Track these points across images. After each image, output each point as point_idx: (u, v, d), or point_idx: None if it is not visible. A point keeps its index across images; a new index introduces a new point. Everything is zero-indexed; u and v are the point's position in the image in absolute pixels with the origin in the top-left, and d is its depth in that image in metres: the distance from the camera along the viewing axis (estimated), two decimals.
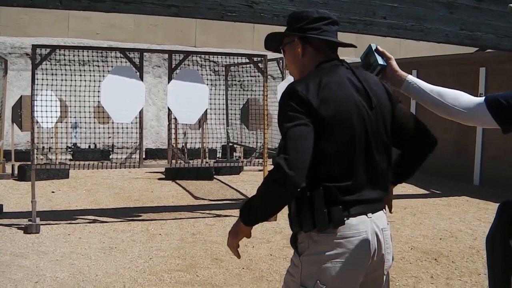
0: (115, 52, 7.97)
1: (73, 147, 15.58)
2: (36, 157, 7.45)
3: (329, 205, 2.27)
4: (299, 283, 2.35)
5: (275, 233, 7.15)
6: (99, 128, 10.22)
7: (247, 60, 10.00)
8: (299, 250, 2.38)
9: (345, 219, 2.28)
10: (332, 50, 2.49)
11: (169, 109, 7.91)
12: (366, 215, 2.34)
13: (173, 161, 8.62)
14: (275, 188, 2.21)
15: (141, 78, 7.62)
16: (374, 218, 2.37)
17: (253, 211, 2.32)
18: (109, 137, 10.38)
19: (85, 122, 8.46)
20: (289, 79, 8.67)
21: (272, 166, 2.25)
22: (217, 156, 14.36)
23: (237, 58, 11.63)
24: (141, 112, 7.62)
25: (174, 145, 9.38)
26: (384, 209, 2.47)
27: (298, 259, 2.38)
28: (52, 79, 8.13)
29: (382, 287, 2.50)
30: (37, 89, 7.49)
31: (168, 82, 7.91)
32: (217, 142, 12.07)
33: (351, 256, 2.29)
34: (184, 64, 9.75)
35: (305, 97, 2.25)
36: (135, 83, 7.48)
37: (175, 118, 8.15)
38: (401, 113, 2.55)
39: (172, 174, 11.21)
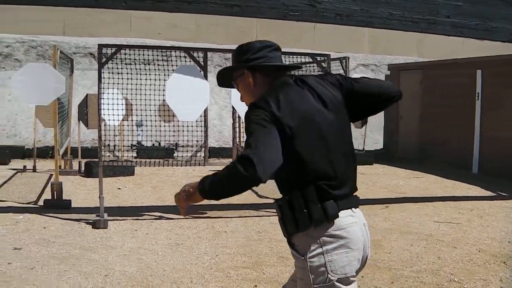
0: (179, 52, 8.01)
1: (137, 145, 15.85)
2: (103, 154, 7.58)
3: (322, 201, 2.43)
4: (311, 283, 2.45)
5: None
6: (163, 126, 10.35)
7: (310, 60, 9.92)
8: (301, 252, 2.50)
9: (337, 213, 2.46)
10: (280, 73, 2.67)
11: (233, 107, 7.94)
12: (351, 210, 2.53)
13: None
14: (239, 175, 2.27)
15: (205, 77, 7.66)
16: (357, 213, 2.55)
17: (214, 188, 2.41)
18: (173, 135, 10.50)
19: (150, 120, 8.55)
20: None
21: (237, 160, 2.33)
22: None
23: (300, 57, 11.55)
24: (205, 111, 7.67)
25: (238, 144, 9.38)
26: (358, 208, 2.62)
27: (302, 261, 2.49)
28: (118, 78, 8.26)
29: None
30: (103, 88, 7.63)
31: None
32: None
33: (351, 243, 2.45)
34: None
35: (267, 108, 2.42)
36: (199, 82, 7.52)
37: (239, 117, 8.16)
38: (359, 85, 2.70)
39: None
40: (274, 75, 2.65)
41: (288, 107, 2.46)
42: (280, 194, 2.62)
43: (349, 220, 2.48)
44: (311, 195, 2.44)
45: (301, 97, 2.53)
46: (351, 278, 2.48)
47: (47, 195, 8.51)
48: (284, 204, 2.52)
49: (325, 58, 8.36)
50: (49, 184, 8.78)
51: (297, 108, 2.48)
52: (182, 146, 14.84)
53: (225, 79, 2.82)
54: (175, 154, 14.25)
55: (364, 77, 2.80)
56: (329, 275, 2.43)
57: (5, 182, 10.18)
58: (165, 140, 14.17)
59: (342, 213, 2.47)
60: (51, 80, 7.97)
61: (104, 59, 7.51)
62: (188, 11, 6.86)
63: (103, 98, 7.65)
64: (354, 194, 2.61)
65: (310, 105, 2.53)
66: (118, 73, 7.99)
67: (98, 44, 7.54)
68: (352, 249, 2.46)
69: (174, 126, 12.03)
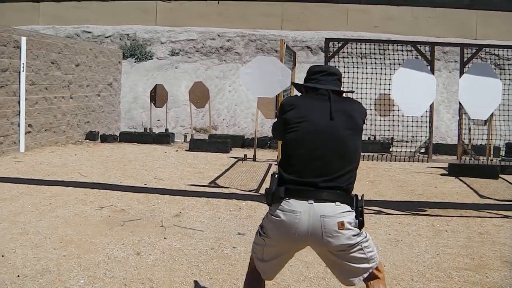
0: (397, 45, 7.95)
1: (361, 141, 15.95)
2: None
3: (278, 186, 3.16)
4: (260, 223, 3.37)
5: None
6: (379, 120, 10.33)
7: None
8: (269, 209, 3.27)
9: (287, 198, 3.12)
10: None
11: (460, 103, 7.71)
12: (307, 201, 3.09)
13: (464, 157, 8.37)
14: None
15: (432, 71, 7.53)
16: (316, 205, 3.08)
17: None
18: (389, 130, 10.44)
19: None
20: None
21: None
22: (500, 154, 13.63)
23: None
24: (431, 106, 7.55)
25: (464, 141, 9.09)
26: (337, 203, 3.10)
27: (266, 213, 3.31)
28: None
29: (346, 266, 3.21)
30: None
31: (460, 76, 7.69)
32: (500, 140, 11.47)
33: (281, 223, 3.13)
34: (476, 58, 9.40)
35: (283, 106, 3.38)
36: (426, 77, 7.43)
37: (465, 113, 7.92)
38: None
39: (455, 171, 10.93)
40: (315, 92, 3.40)
41: (297, 107, 3.29)
42: None
43: (295, 207, 3.10)
44: (276, 179, 3.20)
45: (312, 105, 3.30)
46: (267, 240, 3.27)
47: (267, 184, 8.90)
48: (271, 178, 3.27)
49: None
50: (269, 174, 9.18)
51: (303, 112, 3.25)
52: (397, 141, 14.71)
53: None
54: (391, 149, 14.14)
55: None
56: (262, 228, 3.31)
57: (227, 170, 10.86)
58: (379, 135, 14.19)
59: (292, 201, 3.11)
60: (277, 73, 8.32)
61: (331, 53, 7.66)
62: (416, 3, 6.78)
63: None
64: (323, 190, 3.11)
65: (316, 113, 3.25)
66: (337, 66, 8.15)
67: (326, 38, 7.74)
68: (281, 227, 3.14)
69: (390, 120, 11.98)
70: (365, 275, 3.24)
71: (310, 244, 3.22)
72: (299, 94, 3.62)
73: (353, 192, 3.25)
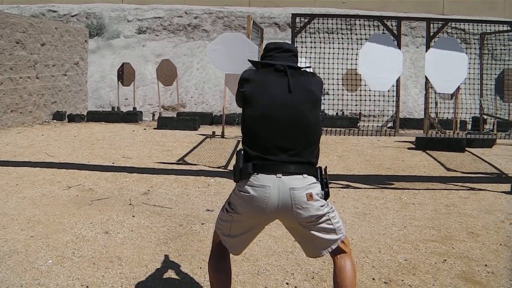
0: (363, 20, 7.97)
1: (321, 114, 16.03)
2: None
3: (245, 162, 3.17)
4: (227, 200, 3.39)
5: None
6: (347, 95, 10.38)
7: (508, 28, 9.38)
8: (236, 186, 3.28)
9: (255, 174, 3.13)
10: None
11: (426, 78, 7.77)
12: (275, 175, 3.11)
13: (430, 131, 8.46)
14: None
15: (399, 46, 7.57)
16: (284, 179, 3.11)
17: None
18: (356, 105, 10.51)
19: (333, 89, 8.60)
20: None
21: None
22: (467, 128, 13.82)
23: (497, 26, 10.97)
24: (397, 81, 7.60)
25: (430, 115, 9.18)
26: (304, 175, 3.14)
27: (233, 189, 3.33)
28: (302, 47, 8.37)
29: (315, 237, 3.25)
30: None
31: (426, 51, 7.74)
32: (466, 113, 11.62)
33: (251, 198, 3.14)
34: (442, 32, 9.46)
35: (242, 79, 3.34)
36: (393, 51, 7.46)
37: (431, 87, 7.98)
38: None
39: (422, 144, 11.05)
40: (272, 68, 3.36)
41: (254, 82, 3.28)
42: None
43: (263, 182, 3.12)
44: (242, 156, 3.21)
45: (270, 80, 3.28)
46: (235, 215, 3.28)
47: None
48: (237, 155, 3.25)
49: None
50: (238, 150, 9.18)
51: (261, 87, 3.25)
52: (365, 116, 14.83)
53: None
54: (358, 124, 14.23)
55: None
56: (229, 203, 3.31)
57: (195, 147, 10.85)
58: (347, 110, 14.28)
59: (260, 176, 3.12)
60: (244, 49, 8.29)
61: (297, 29, 7.65)
62: None
63: None
64: (289, 163, 3.14)
65: (274, 88, 3.24)
66: (302, 41, 8.14)
67: (292, 14, 7.73)
68: (250, 203, 3.15)
69: (357, 95, 12.04)
70: (334, 247, 3.27)
71: (280, 217, 3.24)
72: None
73: (319, 165, 3.28)
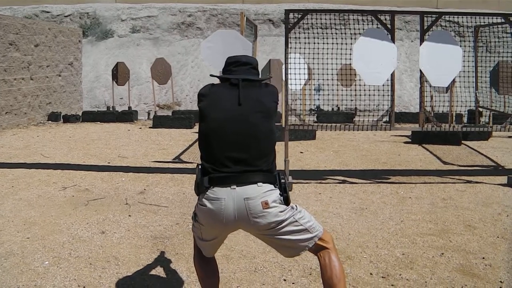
0: (357, 15, 7.94)
1: (316, 109, 16.04)
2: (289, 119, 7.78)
3: (202, 176, 3.22)
4: (193, 211, 3.41)
5: None
6: (342, 90, 10.33)
7: (502, 20, 9.36)
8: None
9: (211, 187, 3.17)
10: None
11: (421, 71, 7.75)
12: (230, 187, 3.15)
13: (426, 124, 8.44)
14: None
15: (393, 40, 7.55)
16: (238, 190, 3.14)
17: None
18: (352, 100, 10.49)
19: (328, 85, 8.58)
20: None
21: None
22: (463, 121, 13.82)
23: (490, 18, 10.96)
24: (392, 75, 7.58)
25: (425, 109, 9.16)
26: (259, 184, 3.16)
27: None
28: (296, 42, 8.36)
29: (283, 241, 3.24)
30: (289, 53, 7.78)
31: (420, 44, 7.72)
32: (461, 106, 11.61)
33: (209, 211, 3.18)
34: (436, 25, 9.44)
35: (200, 95, 3.39)
36: (387, 45, 7.44)
37: (426, 81, 7.96)
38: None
39: (418, 138, 11.06)
40: (228, 82, 3.41)
41: (208, 97, 3.34)
42: None
43: (218, 195, 3.15)
44: (200, 170, 3.26)
45: (223, 93, 3.33)
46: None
47: None
48: (196, 170, 3.31)
49: None
50: None
51: (213, 102, 3.30)
52: (361, 111, 14.82)
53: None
54: (355, 119, 14.22)
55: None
56: (195, 215, 3.35)
57: (191, 145, 10.85)
58: (343, 105, 14.28)
59: (215, 189, 3.17)
60: (238, 47, 8.25)
61: (291, 25, 7.63)
62: None
63: (290, 63, 7.82)
64: (244, 174, 3.17)
65: (225, 101, 3.28)
66: (296, 37, 8.11)
67: (286, 10, 7.69)
68: (208, 216, 3.20)
69: (353, 90, 12.01)
70: (310, 245, 3.27)
71: (240, 227, 3.27)
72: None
73: (282, 169, 3.31)
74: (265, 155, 3.26)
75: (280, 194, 3.21)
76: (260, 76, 3.56)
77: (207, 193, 3.19)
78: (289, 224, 3.20)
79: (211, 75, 3.80)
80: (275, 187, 3.22)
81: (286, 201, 3.22)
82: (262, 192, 3.15)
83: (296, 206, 3.30)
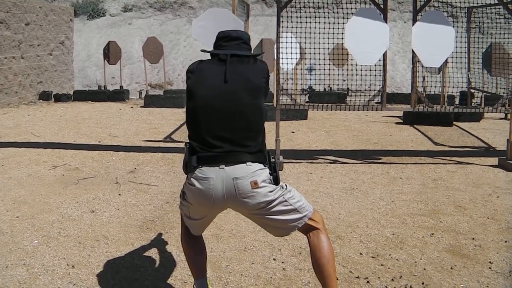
0: None
1: (308, 89, 16.00)
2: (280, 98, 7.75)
3: (190, 155, 3.17)
4: (181, 189, 3.39)
5: None
6: (334, 70, 10.32)
7: (496, 2, 9.33)
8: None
9: (200, 166, 3.13)
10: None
11: (413, 51, 7.72)
12: (218, 166, 3.11)
13: (418, 105, 8.43)
14: None
15: (385, 20, 7.51)
16: (227, 169, 3.10)
17: None
18: (344, 80, 10.47)
19: (320, 65, 8.54)
20: None
21: None
22: (455, 102, 13.82)
23: None
24: (384, 55, 7.54)
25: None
26: (248, 163, 3.12)
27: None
28: (288, 22, 8.29)
29: (273, 221, 3.21)
30: (281, 32, 7.73)
31: (413, 24, 7.68)
32: (454, 87, 11.61)
33: (198, 190, 3.15)
34: (429, 6, 9.40)
35: (188, 72, 3.32)
36: (379, 25, 7.39)
37: (418, 61, 7.94)
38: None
39: (410, 119, 11.06)
40: (217, 58, 3.36)
41: (195, 73, 3.28)
42: None
43: (206, 174, 3.12)
44: (188, 149, 3.20)
45: (210, 70, 3.27)
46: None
47: None
48: (185, 148, 3.26)
49: None
50: None
51: (200, 79, 3.25)
52: (352, 91, 14.80)
53: None
54: (347, 99, 14.20)
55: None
56: (183, 194, 3.32)
57: (182, 125, 10.82)
58: (335, 85, 14.23)
59: (204, 168, 3.13)
60: (230, 25, 8.17)
61: (283, 4, 7.58)
62: None
63: (281, 42, 7.77)
64: (232, 153, 3.13)
65: (211, 78, 3.22)
66: (288, 17, 8.06)
67: None
68: (197, 195, 3.17)
69: (345, 70, 11.98)
70: (299, 225, 3.25)
71: (230, 207, 3.24)
72: None
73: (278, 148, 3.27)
74: (253, 133, 3.21)
75: (269, 173, 3.18)
76: (252, 52, 3.50)
77: (195, 172, 3.16)
78: (279, 204, 3.18)
79: (202, 51, 3.72)
80: (264, 166, 3.19)
81: (276, 180, 3.19)
82: (251, 172, 3.12)
83: (286, 185, 3.27)
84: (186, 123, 3.30)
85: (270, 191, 3.15)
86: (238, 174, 3.11)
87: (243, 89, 3.21)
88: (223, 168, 3.12)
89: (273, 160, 3.25)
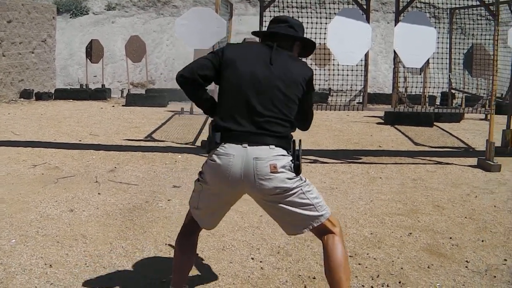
0: None
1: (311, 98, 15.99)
2: None
3: (214, 132, 3.19)
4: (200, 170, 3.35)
5: (499, 184, 6.84)
6: (317, 70, 10.28)
7: (477, 3, 9.39)
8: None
9: (223, 143, 3.14)
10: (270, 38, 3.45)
11: (394, 52, 7.77)
12: (241, 144, 3.11)
13: (399, 106, 8.49)
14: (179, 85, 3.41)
15: (368, 20, 7.55)
16: (249, 149, 3.10)
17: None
18: (327, 80, 10.49)
19: None
20: None
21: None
22: (436, 103, 13.90)
23: (463, 0, 11.01)
24: (366, 55, 7.58)
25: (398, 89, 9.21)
26: (271, 146, 3.11)
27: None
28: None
29: (287, 211, 3.17)
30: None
31: (395, 25, 7.73)
32: (434, 88, 11.69)
33: (216, 166, 3.14)
34: (412, 7, 9.45)
35: (219, 50, 3.34)
36: (361, 25, 7.42)
37: (400, 61, 7.99)
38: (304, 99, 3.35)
39: (391, 119, 11.12)
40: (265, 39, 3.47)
41: (238, 50, 3.33)
42: None
43: (228, 151, 3.12)
44: (211, 128, 3.23)
45: (256, 51, 3.33)
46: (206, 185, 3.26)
47: (204, 136, 8.89)
48: (210, 127, 3.28)
49: (494, 0, 7.87)
50: (206, 126, 9.16)
51: (243, 54, 3.29)
52: (334, 91, 14.83)
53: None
54: (329, 99, 14.24)
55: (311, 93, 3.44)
56: (201, 171, 3.29)
57: (163, 124, 10.78)
58: (317, 85, 14.25)
59: (226, 145, 3.13)
60: (213, 24, 8.18)
61: (266, 3, 7.62)
62: None
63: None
64: (256, 134, 3.13)
65: (257, 57, 3.27)
66: (271, 16, 8.07)
67: None
68: (216, 171, 3.15)
69: (327, 70, 12.00)
70: (315, 224, 3.20)
71: (245, 189, 3.18)
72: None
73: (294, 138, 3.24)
74: (282, 119, 3.19)
75: (291, 161, 3.15)
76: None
77: (217, 148, 3.16)
78: (296, 195, 3.13)
79: (253, 32, 3.89)
80: (288, 153, 3.16)
81: (297, 169, 3.16)
82: (273, 155, 3.10)
83: (305, 179, 3.24)
84: (218, 100, 3.30)
85: (289, 178, 3.11)
86: (259, 155, 3.10)
87: (281, 78, 3.23)
88: (245, 147, 3.11)
89: (298, 148, 3.20)
